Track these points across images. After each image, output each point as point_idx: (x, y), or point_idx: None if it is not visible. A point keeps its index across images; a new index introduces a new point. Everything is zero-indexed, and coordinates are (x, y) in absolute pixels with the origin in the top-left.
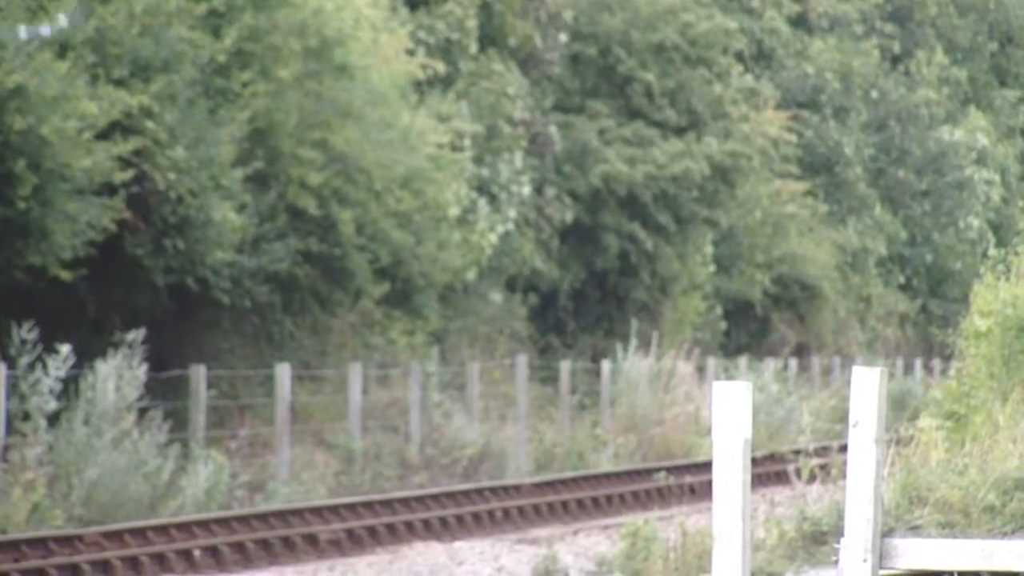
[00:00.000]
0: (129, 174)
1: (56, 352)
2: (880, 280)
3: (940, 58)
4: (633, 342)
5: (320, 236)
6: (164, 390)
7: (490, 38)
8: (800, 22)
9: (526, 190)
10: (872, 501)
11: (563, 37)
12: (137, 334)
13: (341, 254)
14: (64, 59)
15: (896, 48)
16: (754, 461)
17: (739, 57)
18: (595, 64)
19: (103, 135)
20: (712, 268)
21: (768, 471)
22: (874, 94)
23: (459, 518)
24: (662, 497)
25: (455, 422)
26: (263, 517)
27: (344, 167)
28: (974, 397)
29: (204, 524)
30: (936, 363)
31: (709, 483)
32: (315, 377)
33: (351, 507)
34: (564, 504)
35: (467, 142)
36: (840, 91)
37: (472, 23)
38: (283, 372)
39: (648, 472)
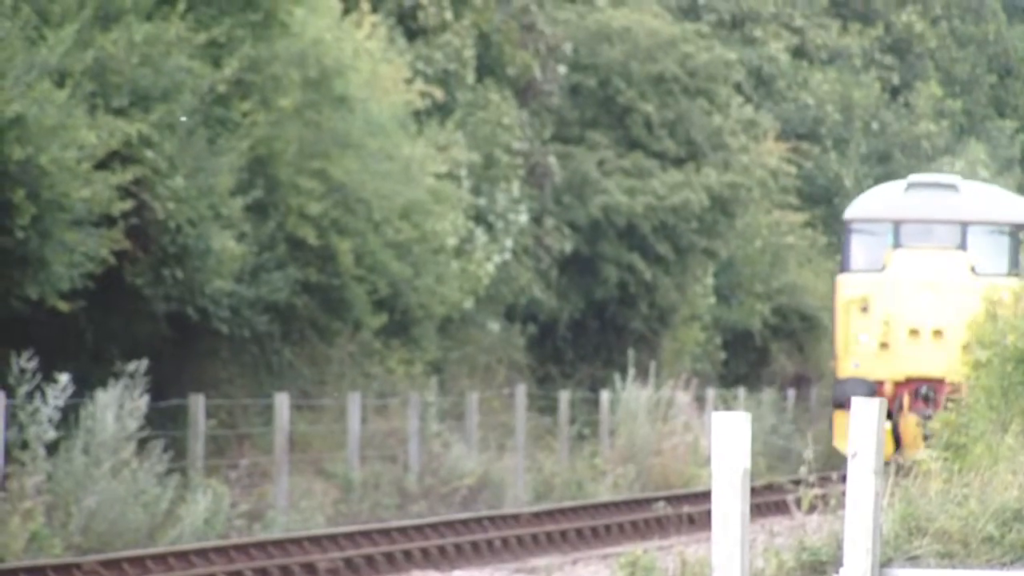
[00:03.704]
0: (128, 204)
1: (55, 381)
2: None
3: (935, 90)
4: (631, 372)
5: (319, 266)
6: (163, 419)
7: (488, 68)
8: (799, 54)
9: (524, 219)
10: (871, 531)
11: (562, 69)
12: (140, 365)
13: (340, 285)
14: (63, 88)
15: (895, 80)
16: (753, 491)
17: (739, 88)
18: (594, 95)
19: (102, 164)
20: (712, 299)
21: (767, 501)
22: (874, 125)
23: (458, 547)
24: (661, 527)
25: (454, 451)
26: (262, 546)
27: (343, 197)
28: (973, 427)
29: (203, 553)
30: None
31: (708, 513)
32: (314, 407)
33: (350, 536)
34: (563, 534)
35: (464, 171)
36: (840, 122)
37: (470, 53)
38: (282, 402)
39: (647, 502)
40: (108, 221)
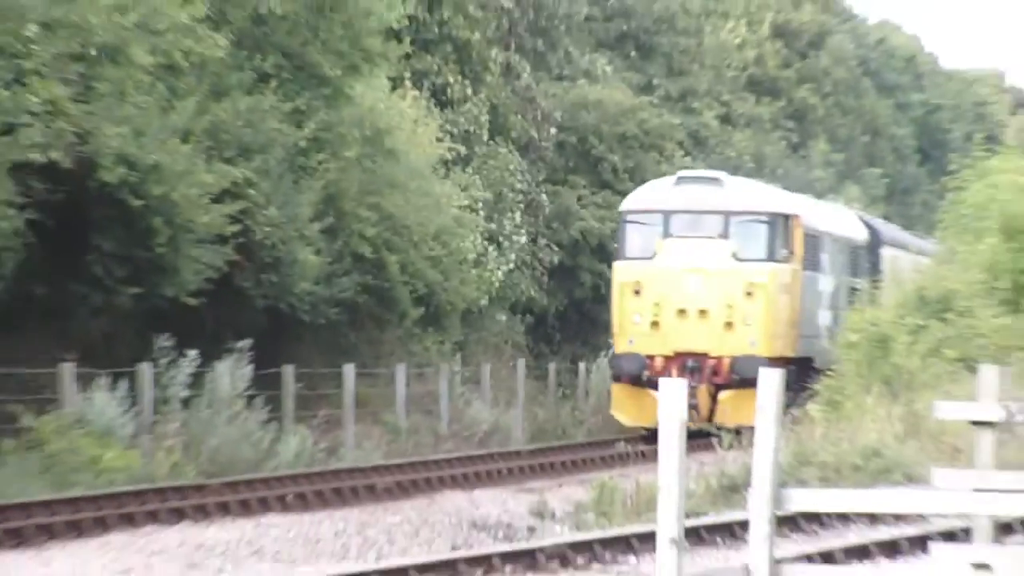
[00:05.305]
0: (236, 228)
1: (186, 356)
2: None
3: (823, 147)
4: (586, 351)
5: (374, 274)
6: (264, 383)
7: (497, 130)
8: (726, 120)
9: (523, 240)
10: (772, 463)
11: (553, 130)
12: (245, 344)
13: (390, 287)
14: (188, 143)
15: (795, 139)
16: (688, 435)
17: (681, 144)
18: (575, 148)
19: (217, 199)
20: None
21: (700, 443)
22: (779, 171)
23: (476, 474)
24: (622, 461)
25: (473, 407)
26: (336, 473)
27: (392, 224)
28: (846, 389)
29: (294, 478)
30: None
31: (656, 451)
32: (371, 375)
33: (399, 466)
34: (551, 464)
35: (480, 205)
36: (754, 170)
37: (484, 118)
38: (349, 371)
39: (612, 442)
40: (222, 240)
